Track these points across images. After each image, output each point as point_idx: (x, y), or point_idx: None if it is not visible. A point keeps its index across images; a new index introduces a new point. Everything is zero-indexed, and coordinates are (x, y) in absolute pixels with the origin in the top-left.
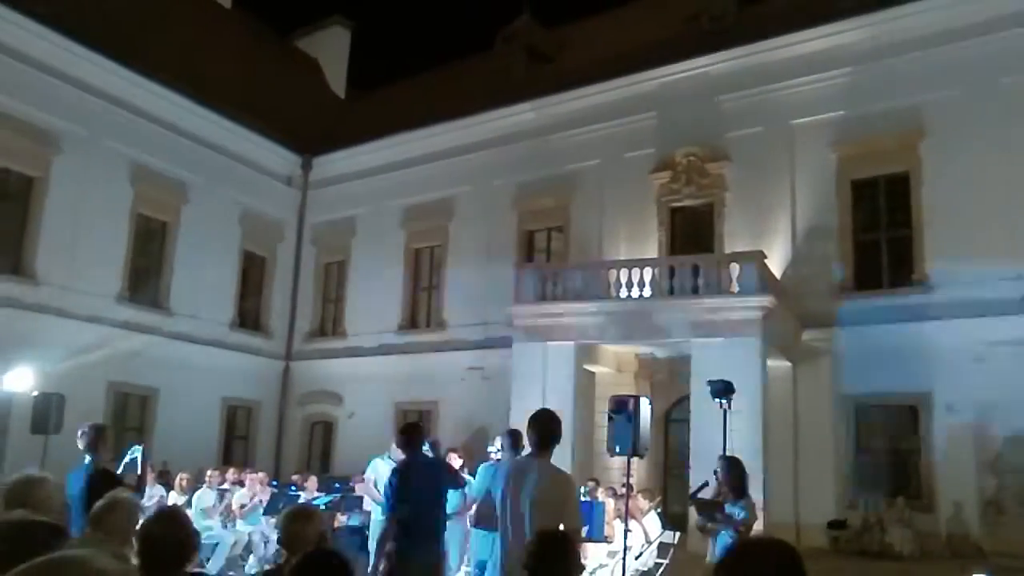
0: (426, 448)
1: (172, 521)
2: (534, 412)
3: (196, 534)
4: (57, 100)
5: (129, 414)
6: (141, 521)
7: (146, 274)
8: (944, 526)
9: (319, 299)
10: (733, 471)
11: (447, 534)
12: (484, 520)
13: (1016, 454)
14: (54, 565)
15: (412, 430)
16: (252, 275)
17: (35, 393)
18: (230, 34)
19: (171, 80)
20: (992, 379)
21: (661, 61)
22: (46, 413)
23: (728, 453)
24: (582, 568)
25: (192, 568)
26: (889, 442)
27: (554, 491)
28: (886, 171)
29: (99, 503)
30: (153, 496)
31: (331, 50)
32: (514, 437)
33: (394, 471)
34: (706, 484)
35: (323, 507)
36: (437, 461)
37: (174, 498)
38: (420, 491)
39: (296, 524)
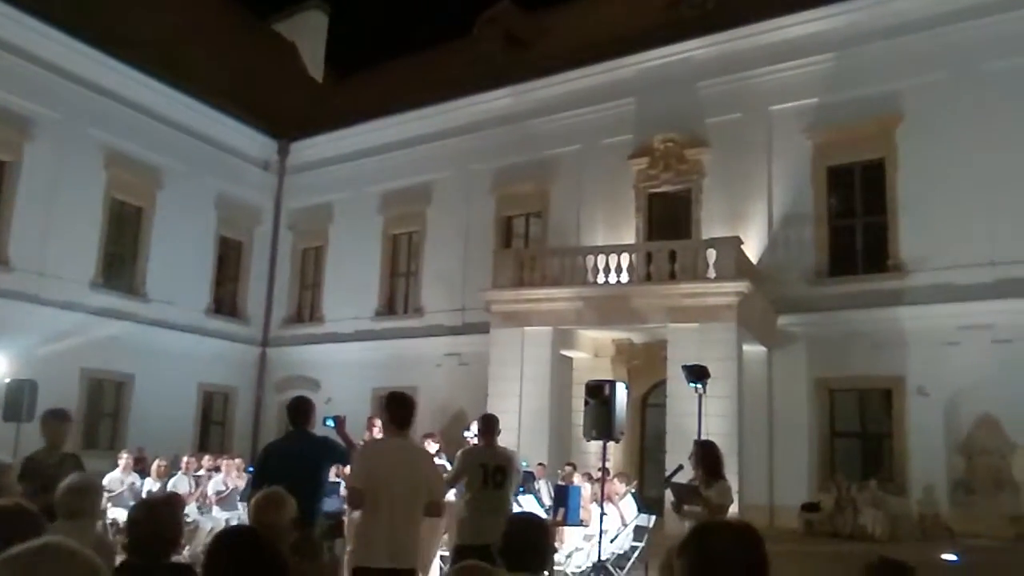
0: (331, 424)
1: (161, 510)
2: (391, 393)
3: (182, 525)
4: (30, 84)
5: (104, 400)
6: (132, 508)
7: (121, 260)
8: (916, 507)
9: (296, 285)
10: (708, 455)
11: None
12: None
13: (985, 436)
14: (46, 551)
15: (295, 405)
16: (229, 261)
17: (7, 380)
18: (206, 17)
19: (146, 64)
20: (963, 363)
21: (640, 47)
22: (19, 400)
23: (704, 437)
24: (554, 550)
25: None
26: (862, 426)
27: (423, 466)
28: (862, 157)
29: (67, 487)
30: (127, 482)
31: (309, 34)
32: (487, 422)
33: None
34: (681, 467)
35: None
36: (319, 437)
37: (149, 484)
38: (285, 469)
39: (267, 511)
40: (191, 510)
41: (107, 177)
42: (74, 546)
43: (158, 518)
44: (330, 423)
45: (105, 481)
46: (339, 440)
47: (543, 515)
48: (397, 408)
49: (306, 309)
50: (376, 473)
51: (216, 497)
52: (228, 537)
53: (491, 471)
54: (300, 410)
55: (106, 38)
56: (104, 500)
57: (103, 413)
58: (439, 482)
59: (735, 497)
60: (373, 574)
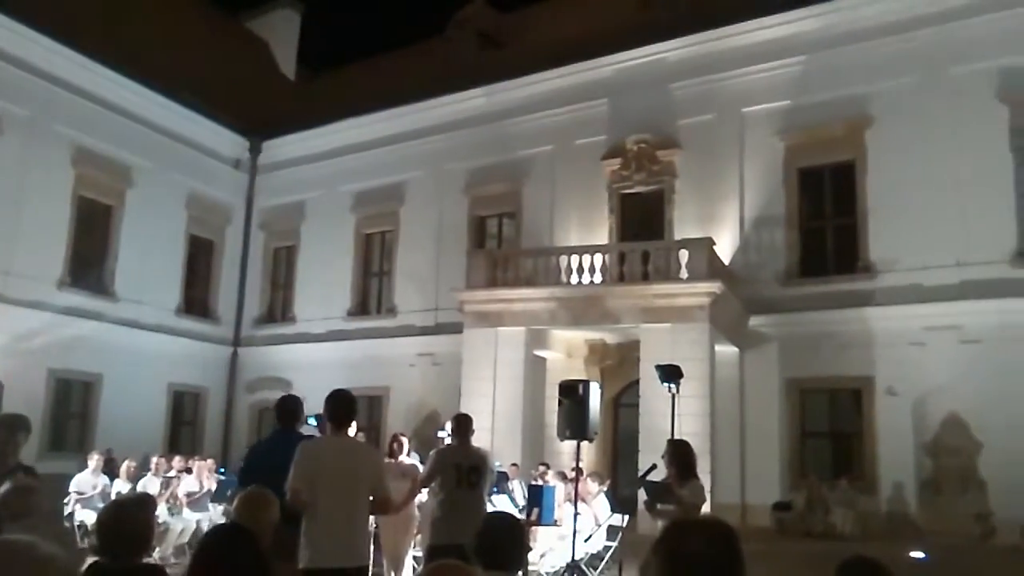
0: (313, 423)
1: (133, 511)
2: (332, 391)
3: (154, 525)
4: None
5: (72, 401)
6: (101, 509)
7: (89, 259)
8: (885, 506)
9: (268, 284)
10: (682, 454)
11: None
12: None
13: (952, 436)
14: (4, 548)
15: (282, 404)
16: (199, 260)
17: None
18: (177, 14)
19: (116, 61)
20: (931, 364)
21: (614, 48)
22: None
23: (677, 437)
24: (528, 550)
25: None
26: (833, 425)
27: (364, 463)
28: (833, 159)
29: (6, 490)
30: (97, 485)
31: (281, 32)
32: (460, 422)
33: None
34: (655, 467)
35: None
36: (306, 437)
37: (119, 486)
38: (270, 470)
39: (252, 509)
40: (161, 511)
41: (75, 175)
42: (29, 542)
43: (128, 518)
44: (312, 422)
45: (74, 483)
46: None
47: (517, 515)
48: (335, 406)
49: (278, 309)
50: (315, 473)
51: (187, 499)
52: (220, 533)
53: (465, 471)
54: (287, 409)
55: (75, 34)
56: (73, 502)
57: (71, 414)
58: (382, 479)
59: (707, 496)
60: (323, 575)
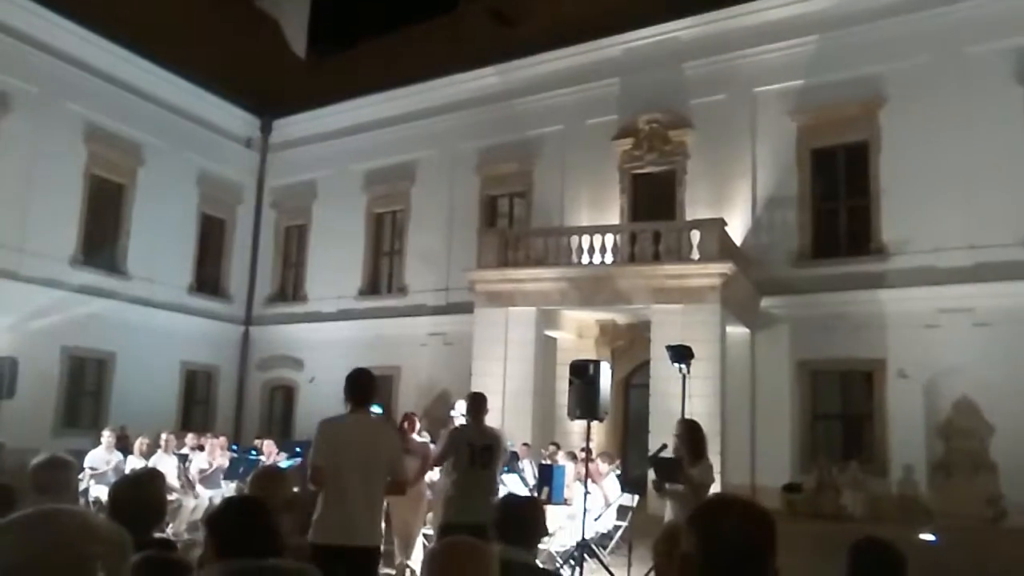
0: (378, 409)
1: (146, 485)
2: (353, 370)
3: (165, 500)
4: (7, 57)
5: (86, 378)
6: (114, 483)
7: (102, 237)
8: (895, 488)
9: (279, 263)
10: (691, 434)
11: None
12: None
13: (963, 419)
14: (51, 515)
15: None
16: (211, 238)
17: None
18: None
19: (127, 38)
20: (943, 346)
21: (625, 27)
22: None
23: (687, 417)
24: (545, 532)
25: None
26: (844, 407)
27: (382, 443)
28: (846, 140)
29: (39, 462)
30: (110, 461)
31: (292, 10)
32: (475, 401)
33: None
34: (665, 447)
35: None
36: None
37: (132, 463)
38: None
39: (265, 486)
40: (174, 488)
41: (87, 153)
42: (78, 510)
43: (141, 492)
44: (377, 409)
45: (88, 459)
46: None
47: (527, 494)
48: (353, 384)
49: (289, 288)
50: (335, 451)
51: (200, 476)
52: (233, 504)
53: (478, 451)
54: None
55: (86, 11)
56: (87, 478)
57: (85, 391)
58: (400, 460)
59: (717, 477)
60: (331, 551)
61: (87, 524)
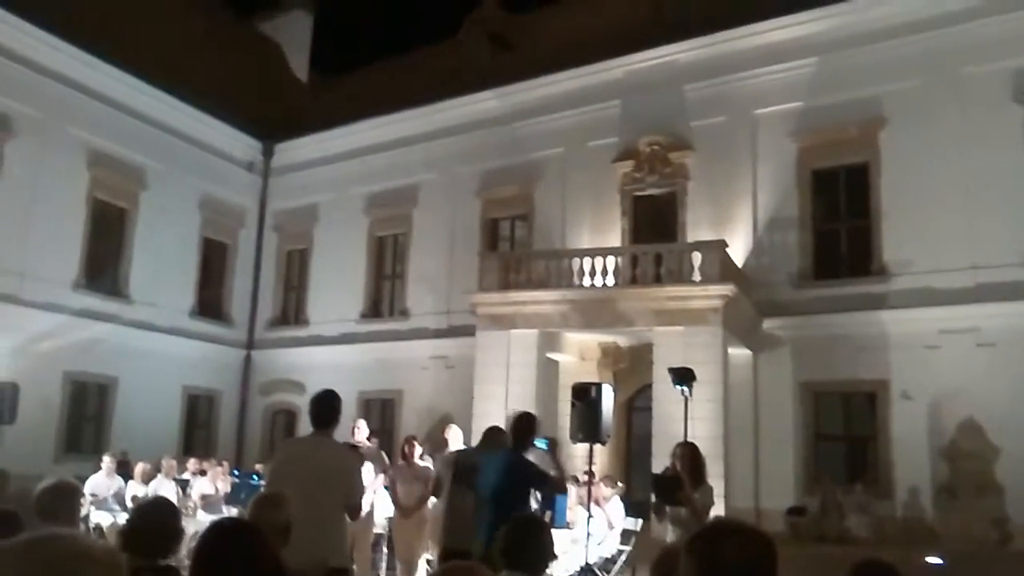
0: (543, 445)
1: (167, 511)
2: (316, 393)
3: (182, 528)
4: (10, 82)
5: (88, 403)
6: (135, 507)
7: (104, 261)
8: (900, 511)
9: (281, 287)
10: (693, 457)
11: None
12: None
13: (968, 440)
14: (44, 541)
15: (517, 424)
16: (213, 262)
17: None
18: (190, 17)
19: (129, 63)
20: (946, 367)
21: (626, 49)
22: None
23: (690, 440)
24: (553, 556)
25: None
26: (847, 429)
27: (334, 465)
28: (846, 161)
29: (44, 487)
30: (111, 487)
31: (293, 34)
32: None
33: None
34: (668, 470)
35: None
36: (519, 458)
37: (133, 488)
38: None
39: (265, 510)
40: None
41: (90, 177)
42: (72, 536)
43: (164, 518)
44: (542, 444)
45: (88, 485)
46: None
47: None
48: (314, 407)
49: (291, 311)
50: (283, 470)
51: (202, 501)
52: (218, 528)
53: (464, 473)
54: (520, 428)
55: (88, 36)
56: (88, 504)
57: (86, 416)
58: (351, 484)
59: (720, 501)
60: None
61: (83, 550)
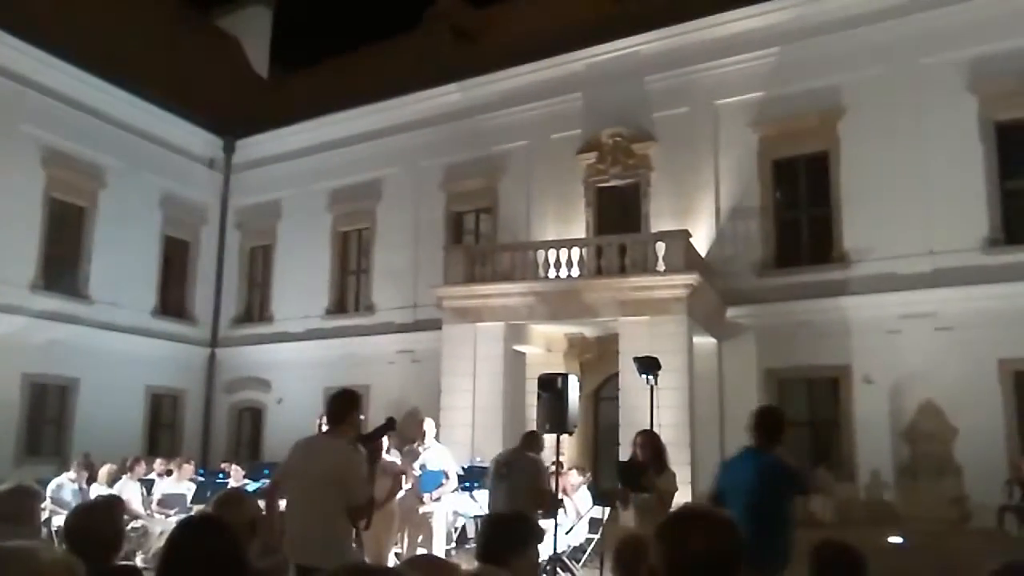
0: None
1: (100, 513)
2: (335, 392)
3: (123, 527)
4: None
5: (48, 405)
6: (69, 512)
7: (63, 261)
8: (863, 492)
9: (245, 284)
10: (655, 445)
11: None
12: None
13: (927, 422)
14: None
15: (764, 416)
16: (175, 261)
17: None
18: (147, 12)
19: (84, 60)
20: (906, 351)
21: (587, 42)
22: None
23: (656, 428)
24: (527, 546)
25: (118, 561)
26: (811, 414)
27: (336, 465)
28: (806, 150)
29: (2, 492)
30: (75, 489)
31: (252, 29)
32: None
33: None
34: (632, 458)
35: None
36: (768, 458)
37: (96, 490)
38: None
39: (226, 509)
40: (140, 513)
41: (46, 176)
42: (29, 549)
43: (96, 520)
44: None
45: (50, 488)
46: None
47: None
48: (328, 405)
49: (255, 309)
50: (290, 467)
51: (167, 501)
52: (189, 524)
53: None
54: (767, 424)
55: (42, 33)
56: (49, 508)
57: (47, 419)
58: (354, 486)
59: (687, 487)
60: (299, 569)
61: (34, 560)
